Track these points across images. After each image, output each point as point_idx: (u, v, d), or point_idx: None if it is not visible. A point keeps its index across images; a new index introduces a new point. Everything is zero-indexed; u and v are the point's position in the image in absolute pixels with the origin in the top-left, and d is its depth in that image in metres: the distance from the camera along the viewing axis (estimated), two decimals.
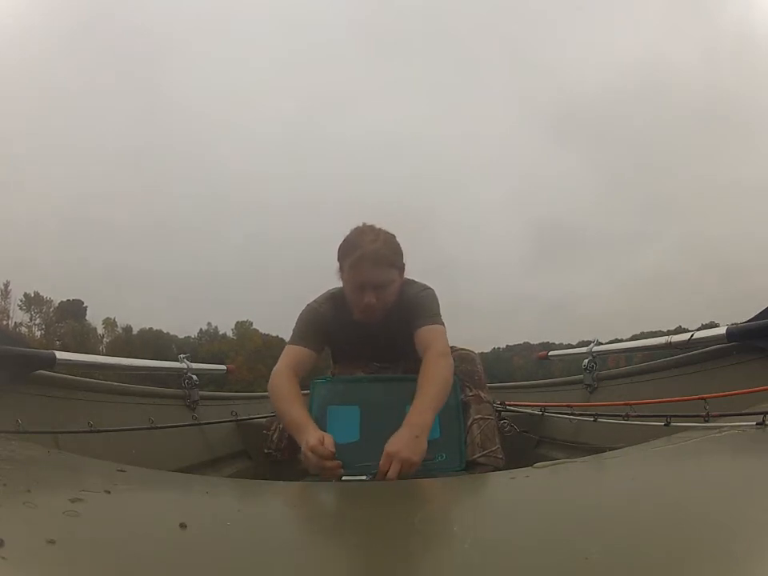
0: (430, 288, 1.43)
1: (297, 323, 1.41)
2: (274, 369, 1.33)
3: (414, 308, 1.35)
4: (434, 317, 1.35)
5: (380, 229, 1.37)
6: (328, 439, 1.10)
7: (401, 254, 1.37)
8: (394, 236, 1.38)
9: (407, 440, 1.08)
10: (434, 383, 1.19)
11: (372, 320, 1.35)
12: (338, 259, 1.36)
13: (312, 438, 1.09)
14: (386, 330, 1.38)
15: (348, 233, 1.37)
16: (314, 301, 1.45)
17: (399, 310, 1.36)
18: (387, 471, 1.04)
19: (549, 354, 2.84)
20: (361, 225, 1.38)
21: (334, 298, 1.43)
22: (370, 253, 1.29)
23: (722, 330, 1.51)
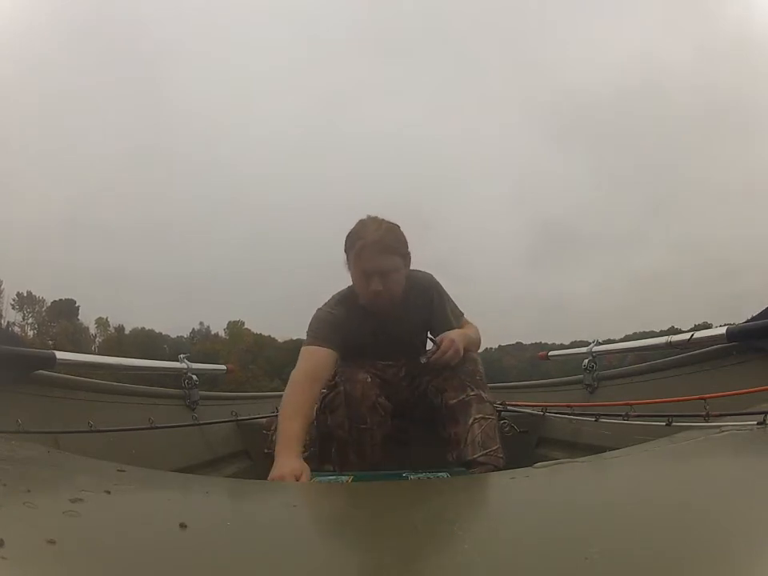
0: (431, 275, 1.50)
1: (311, 325, 1.39)
2: (291, 376, 1.29)
3: (443, 309, 1.46)
4: (461, 316, 1.51)
5: (383, 219, 1.39)
6: (305, 476, 1.06)
7: (405, 243, 1.40)
8: (397, 226, 1.40)
9: (457, 334, 1.36)
10: (471, 331, 1.47)
11: (381, 308, 1.38)
12: (345, 250, 1.39)
13: (287, 467, 1.06)
14: (397, 318, 1.43)
15: (353, 226, 1.39)
16: (325, 304, 1.44)
17: (410, 297, 1.42)
18: (442, 350, 1.31)
19: (549, 354, 2.84)
20: (365, 217, 1.40)
21: (343, 300, 1.44)
22: (373, 241, 1.32)
23: (722, 330, 1.51)
